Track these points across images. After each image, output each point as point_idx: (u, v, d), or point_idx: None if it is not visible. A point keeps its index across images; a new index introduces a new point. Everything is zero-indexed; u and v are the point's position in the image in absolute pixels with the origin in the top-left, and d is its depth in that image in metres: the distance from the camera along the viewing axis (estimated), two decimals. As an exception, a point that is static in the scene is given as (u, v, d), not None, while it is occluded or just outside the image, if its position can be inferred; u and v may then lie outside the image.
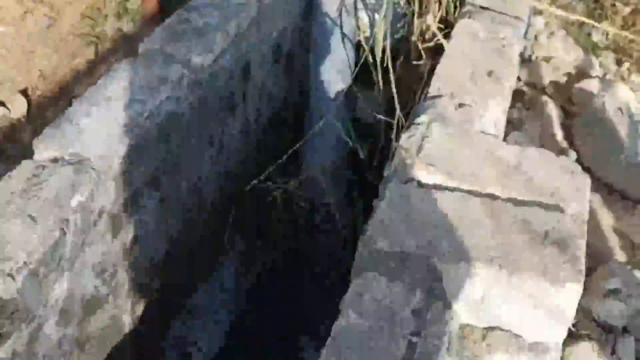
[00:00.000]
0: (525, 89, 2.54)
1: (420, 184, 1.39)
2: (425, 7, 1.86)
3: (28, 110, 3.11)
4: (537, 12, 2.80)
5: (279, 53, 2.32)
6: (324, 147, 2.39)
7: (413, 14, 1.92)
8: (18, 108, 2.94)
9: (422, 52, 1.79)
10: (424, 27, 1.84)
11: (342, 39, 2.20)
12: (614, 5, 2.81)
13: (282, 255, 2.58)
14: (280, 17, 2.23)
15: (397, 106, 1.62)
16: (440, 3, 1.85)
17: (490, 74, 1.72)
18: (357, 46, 2.29)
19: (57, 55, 3.66)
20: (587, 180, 1.40)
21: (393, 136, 1.64)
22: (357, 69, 2.08)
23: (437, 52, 1.78)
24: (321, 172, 2.39)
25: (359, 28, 2.23)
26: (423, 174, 1.40)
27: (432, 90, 1.64)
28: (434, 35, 1.76)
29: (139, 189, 1.65)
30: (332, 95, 2.32)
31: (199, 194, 1.99)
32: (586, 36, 2.77)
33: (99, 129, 1.50)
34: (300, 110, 2.52)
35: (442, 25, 1.83)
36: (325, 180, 2.39)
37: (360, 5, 2.24)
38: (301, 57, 2.46)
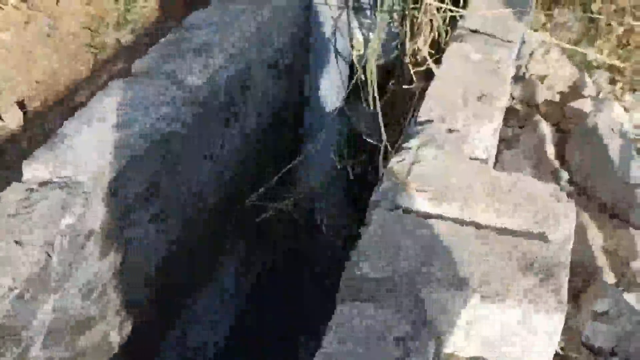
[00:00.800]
0: (518, 106, 2.56)
1: (407, 210, 1.39)
2: (418, 29, 1.88)
3: (24, 121, 3.13)
4: (533, 30, 2.81)
5: (277, 68, 2.34)
6: (322, 150, 2.39)
7: (405, 35, 1.93)
8: (14, 119, 2.96)
9: (414, 76, 1.80)
10: (416, 49, 1.85)
11: (336, 57, 2.22)
12: (609, 24, 2.82)
13: (282, 255, 2.59)
14: (278, 33, 2.24)
15: (384, 134, 1.63)
16: (431, 26, 1.86)
17: (481, 96, 1.72)
18: (352, 63, 2.31)
19: (57, 63, 3.68)
20: (573, 208, 1.40)
21: (380, 162, 1.65)
22: (350, 85, 2.10)
23: (429, 74, 1.80)
24: (320, 174, 2.40)
25: (352, 47, 2.25)
26: (411, 200, 1.41)
27: (423, 113, 1.65)
28: (426, 58, 1.77)
29: (132, 205, 1.66)
30: (328, 107, 2.34)
31: (198, 201, 2.00)
32: (581, 55, 2.78)
33: (91, 150, 1.51)
34: (299, 116, 2.52)
35: (432, 51, 1.84)
36: (325, 180, 2.40)
37: (354, 23, 2.26)
38: (299, 70, 2.47)
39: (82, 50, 3.73)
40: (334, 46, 2.23)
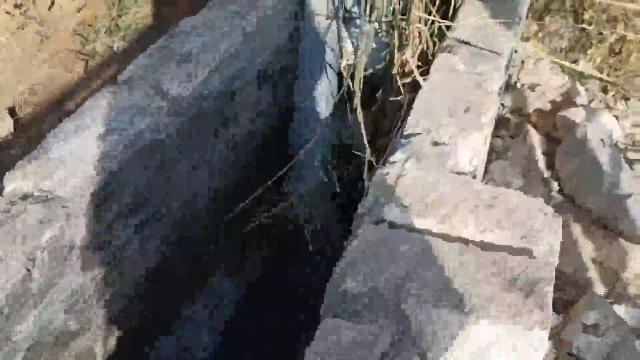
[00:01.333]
0: (509, 116, 2.55)
1: (392, 225, 1.38)
2: (406, 40, 1.87)
3: (15, 128, 3.12)
4: (525, 39, 2.81)
5: (265, 76, 2.33)
6: (311, 160, 2.38)
7: (394, 46, 1.92)
8: (4, 127, 2.95)
9: (401, 87, 1.79)
10: (404, 61, 1.84)
11: (325, 66, 2.21)
12: (600, 33, 2.82)
13: (275, 257, 2.57)
14: (267, 41, 2.24)
15: (367, 150, 1.62)
16: (420, 37, 1.85)
17: (468, 109, 1.71)
18: (341, 73, 2.29)
19: (49, 70, 3.66)
20: (559, 223, 1.40)
21: (365, 175, 1.63)
22: (339, 95, 2.09)
23: (418, 84, 1.79)
24: (308, 184, 2.39)
25: (342, 56, 2.24)
26: (395, 214, 1.40)
27: (409, 125, 1.64)
28: (414, 69, 1.76)
29: (116, 216, 1.65)
30: (316, 116, 2.33)
31: (187, 210, 2.00)
32: (573, 63, 2.78)
33: (74, 161, 1.50)
34: (288, 125, 2.51)
35: (420, 63, 1.83)
36: (313, 191, 2.39)
37: (344, 33, 2.25)
38: (288, 79, 2.46)
39: (74, 57, 3.72)
40: (323, 55, 2.23)
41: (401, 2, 1.96)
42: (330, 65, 2.24)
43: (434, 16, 1.81)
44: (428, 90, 1.74)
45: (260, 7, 2.11)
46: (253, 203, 2.21)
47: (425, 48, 1.90)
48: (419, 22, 1.81)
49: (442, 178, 1.48)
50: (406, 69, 1.85)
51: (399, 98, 1.79)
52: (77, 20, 3.91)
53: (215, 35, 1.97)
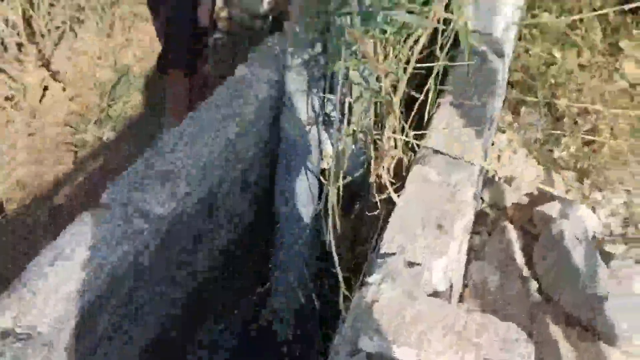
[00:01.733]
0: (487, 210, 2.60)
1: (369, 356, 1.41)
2: (382, 153, 1.93)
3: (1, 225, 3.15)
4: (500, 130, 2.90)
5: (246, 183, 2.37)
6: (290, 272, 2.39)
7: (371, 157, 1.99)
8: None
9: (378, 203, 1.85)
10: (379, 174, 1.90)
11: (305, 171, 2.27)
12: (575, 122, 2.92)
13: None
14: (247, 147, 2.30)
15: (342, 280, 1.65)
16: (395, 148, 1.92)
17: (441, 223, 1.76)
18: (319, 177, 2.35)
19: (37, 163, 3.72)
20: (532, 349, 1.42)
21: (341, 304, 1.67)
22: (320, 203, 2.13)
23: (396, 191, 1.85)
24: (287, 298, 2.41)
25: (322, 159, 2.31)
26: (371, 344, 1.42)
27: (385, 242, 1.68)
28: (389, 183, 1.82)
29: (100, 338, 1.67)
30: (296, 224, 2.36)
31: (184, 270, 2.03)
32: (547, 154, 2.87)
33: (55, 293, 1.52)
34: (270, 231, 2.55)
35: (393, 180, 1.89)
36: (292, 306, 2.40)
37: (324, 136, 2.32)
38: (268, 184, 2.50)
39: (63, 148, 3.78)
40: (303, 160, 2.29)
41: (377, 115, 2.04)
42: (309, 170, 2.30)
43: (406, 135, 1.88)
44: (403, 206, 1.79)
45: (238, 115, 2.18)
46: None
47: (401, 157, 1.96)
48: (393, 142, 1.88)
49: (416, 303, 1.51)
50: (382, 181, 1.91)
51: (376, 212, 1.85)
52: (68, 111, 4.01)
53: (194, 149, 2.01)
